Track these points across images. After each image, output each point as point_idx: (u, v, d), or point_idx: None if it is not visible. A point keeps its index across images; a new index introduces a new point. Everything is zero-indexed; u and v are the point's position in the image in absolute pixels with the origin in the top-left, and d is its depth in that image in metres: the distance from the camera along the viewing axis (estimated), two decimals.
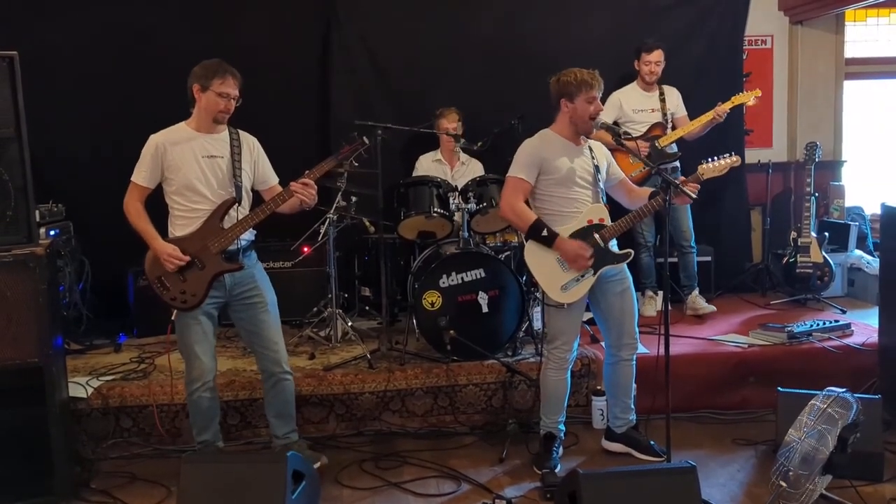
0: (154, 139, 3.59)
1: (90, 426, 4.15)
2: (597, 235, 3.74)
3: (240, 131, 3.73)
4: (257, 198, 3.78)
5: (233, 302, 3.71)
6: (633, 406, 4.01)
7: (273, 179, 3.82)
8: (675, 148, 5.38)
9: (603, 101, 3.88)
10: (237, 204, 3.62)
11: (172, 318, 3.65)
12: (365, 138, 3.76)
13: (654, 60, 5.40)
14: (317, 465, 3.72)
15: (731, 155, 3.86)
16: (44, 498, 3.56)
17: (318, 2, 5.73)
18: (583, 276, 3.73)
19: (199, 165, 3.57)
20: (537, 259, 3.74)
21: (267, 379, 3.82)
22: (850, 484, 3.46)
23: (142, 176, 3.57)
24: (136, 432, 4.20)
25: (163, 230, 3.63)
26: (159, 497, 3.66)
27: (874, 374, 4.47)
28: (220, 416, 3.88)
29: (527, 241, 3.80)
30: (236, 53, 4.39)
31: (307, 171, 3.60)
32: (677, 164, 5.36)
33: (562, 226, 3.73)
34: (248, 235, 3.69)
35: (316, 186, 3.59)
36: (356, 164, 3.98)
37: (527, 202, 3.81)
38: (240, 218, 3.60)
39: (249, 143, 3.75)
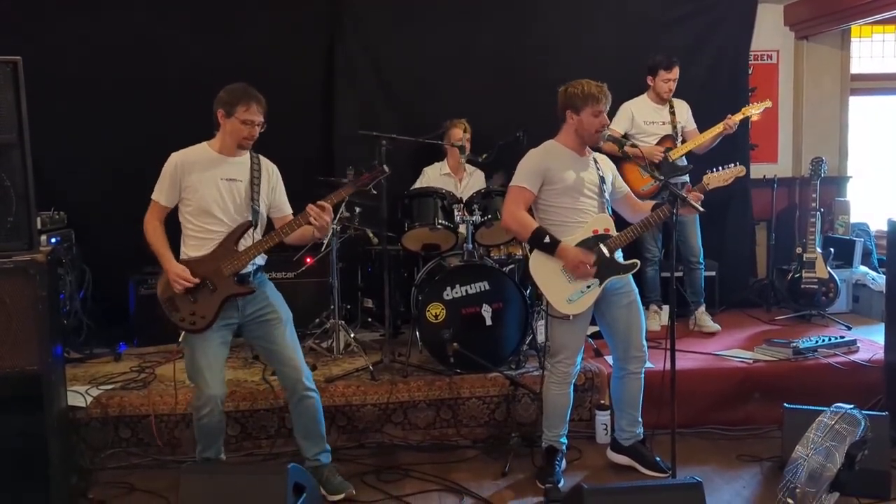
0: (174, 158, 3.54)
1: (89, 436, 4.11)
2: (602, 246, 3.71)
3: (261, 157, 3.68)
4: (269, 225, 3.72)
5: (247, 322, 3.64)
6: (640, 419, 3.97)
7: (287, 209, 3.75)
8: (685, 161, 5.34)
9: (611, 113, 3.85)
10: (252, 228, 3.57)
11: (180, 339, 3.61)
12: (385, 167, 3.67)
13: (673, 78, 5.37)
14: (340, 497, 3.65)
15: (735, 164, 3.85)
16: None
17: (323, 13, 5.73)
18: (588, 287, 3.70)
19: (217, 188, 3.52)
20: (542, 270, 3.71)
21: (290, 396, 3.70)
22: (858, 501, 3.43)
23: (162, 195, 3.52)
24: (134, 442, 4.17)
25: (175, 247, 3.57)
26: None
27: (880, 391, 4.43)
28: None
29: (530, 250, 3.77)
30: (240, 63, 4.40)
31: (325, 198, 3.52)
32: (686, 178, 5.32)
33: (567, 236, 3.70)
34: (259, 259, 3.63)
35: (332, 214, 3.52)
36: (374, 192, 3.91)
37: (531, 213, 3.79)
38: (254, 242, 3.56)
39: (269, 169, 3.70)
